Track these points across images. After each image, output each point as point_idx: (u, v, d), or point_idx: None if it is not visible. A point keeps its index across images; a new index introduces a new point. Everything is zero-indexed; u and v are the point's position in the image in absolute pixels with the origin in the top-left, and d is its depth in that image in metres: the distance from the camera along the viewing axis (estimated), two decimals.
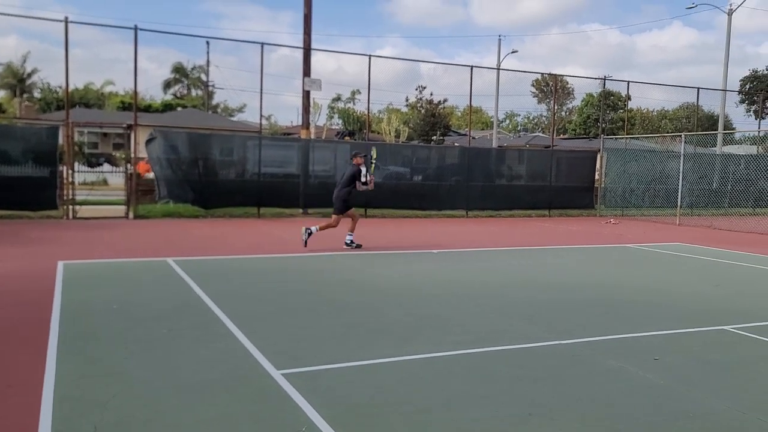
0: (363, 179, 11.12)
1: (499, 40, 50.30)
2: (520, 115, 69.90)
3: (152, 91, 58.79)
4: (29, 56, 45.86)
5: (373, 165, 11.67)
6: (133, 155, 16.47)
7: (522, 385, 4.42)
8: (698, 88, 25.65)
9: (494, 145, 33.10)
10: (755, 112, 39.15)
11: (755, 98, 38.01)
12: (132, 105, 18.22)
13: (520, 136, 51.10)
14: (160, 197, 16.36)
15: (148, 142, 16.26)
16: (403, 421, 3.75)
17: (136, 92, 17.20)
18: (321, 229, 11.11)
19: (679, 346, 5.56)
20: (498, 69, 32.82)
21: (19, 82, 44.83)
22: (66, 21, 14.79)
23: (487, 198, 20.27)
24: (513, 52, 45.08)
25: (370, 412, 3.87)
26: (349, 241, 11.20)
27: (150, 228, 13.78)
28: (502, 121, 61.69)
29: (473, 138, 29.92)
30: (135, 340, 5.23)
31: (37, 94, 46.50)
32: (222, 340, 5.28)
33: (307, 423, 3.65)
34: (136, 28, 15.52)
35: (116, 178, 23.58)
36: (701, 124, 33.87)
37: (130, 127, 16.85)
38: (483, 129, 55.36)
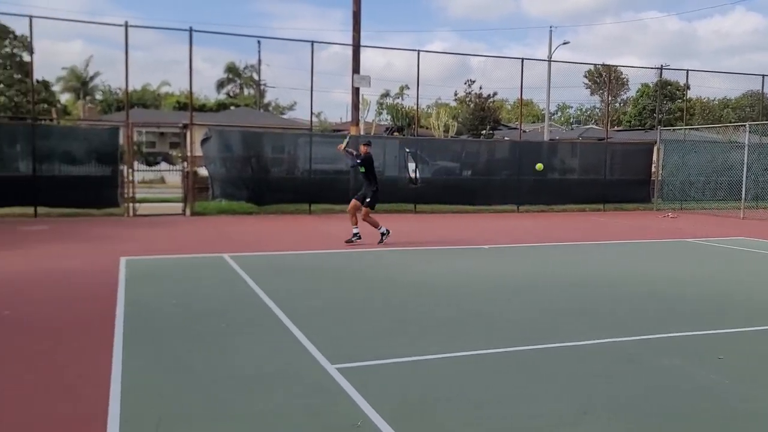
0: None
1: (551, 31, 49.41)
2: (572, 107, 68.44)
3: (206, 91, 60.19)
4: (92, 60, 47.76)
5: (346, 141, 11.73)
6: (189, 154, 16.95)
7: (575, 383, 4.37)
8: (763, 75, 24.56)
9: (546, 138, 32.53)
10: None
11: None
12: (187, 105, 18.74)
13: (572, 129, 50.05)
14: (213, 196, 16.77)
15: (204, 141, 16.70)
16: (456, 416, 3.77)
17: (191, 92, 17.70)
18: (376, 227, 11.20)
19: (744, 345, 5.38)
20: (549, 61, 32.21)
21: (82, 85, 46.76)
22: (126, 25, 15.33)
23: (539, 192, 19.96)
24: (564, 44, 44.21)
25: (423, 407, 3.91)
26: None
27: (206, 224, 14.17)
28: (553, 114, 60.54)
29: (524, 131, 29.51)
30: (194, 334, 5.41)
31: (98, 96, 48.38)
32: (277, 335, 5.41)
33: (362, 417, 3.71)
34: (191, 30, 15.96)
35: (173, 176, 24.31)
36: (766, 112, 32.39)
37: (186, 126, 17.34)
38: (534, 122, 54.49)
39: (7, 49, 40.44)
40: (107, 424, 3.56)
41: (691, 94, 38.14)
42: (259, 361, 4.73)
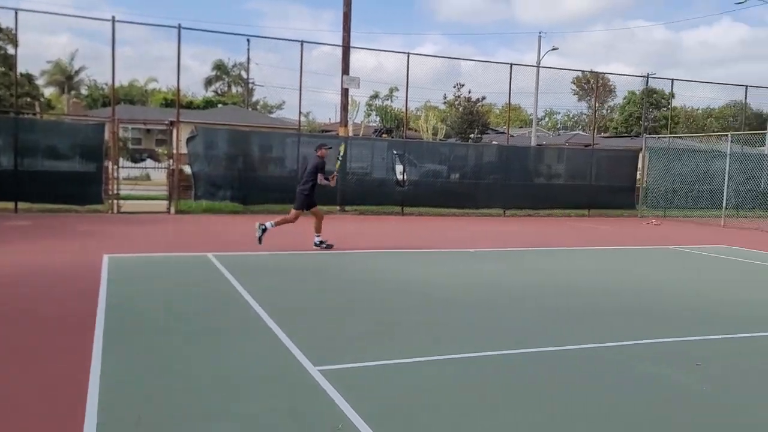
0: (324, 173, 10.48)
1: (540, 37, 49.69)
2: (559, 113, 68.89)
3: (194, 88, 59.88)
4: (77, 54, 47.20)
5: (339, 161, 11.25)
6: (175, 151, 16.82)
7: (563, 389, 4.38)
8: (746, 86, 24.90)
9: (533, 143, 32.69)
10: None
11: None
12: (174, 102, 18.60)
13: (559, 134, 50.38)
14: (196, 196, 16.52)
15: (189, 139, 16.57)
16: (439, 421, 3.76)
17: (179, 90, 17.55)
18: (277, 224, 10.41)
19: (722, 352, 5.43)
20: (538, 66, 32.41)
21: (67, 79, 46.22)
22: (113, 20, 15.20)
23: (525, 197, 20.08)
24: (553, 50, 44.39)
25: (406, 411, 3.89)
26: (317, 242, 10.55)
27: (191, 223, 14.07)
28: (541, 119, 60.85)
29: (511, 136, 29.63)
30: (178, 334, 5.36)
31: (84, 91, 47.90)
32: (261, 336, 5.37)
33: (344, 420, 3.69)
34: (179, 27, 15.85)
35: (159, 174, 24.10)
36: (749, 122, 32.82)
37: (172, 123, 17.22)
38: (522, 127, 54.79)
39: None
40: (84, 425, 3.51)
41: (675, 103, 38.53)
42: (241, 362, 4.69)
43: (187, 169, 17.20)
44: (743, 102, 27.53)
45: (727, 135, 20.90)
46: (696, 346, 5.54)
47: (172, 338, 5.21)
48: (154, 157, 31.79)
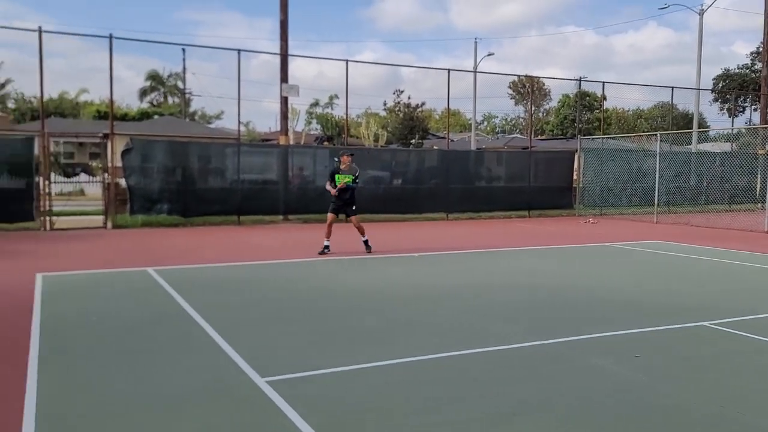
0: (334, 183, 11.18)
1: (476, 43, 50.91)
2: (497, 116, 70.47)
3: (128, 100, 58.19)
4: (2, 66, 45.15)
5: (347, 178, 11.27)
6: (110, 165, 16.30)
7: (505, 385, 4.47)
8: (672, 88, 26.12)
9: (473, 147, 33.28)
10: (728, 110, 39.85)
11: (728, 96, 38.70)
12: (108, 114, 18.04)
13: (498, 138, 51.48)
14: (132, 211, 15.98)
15: (125, 152, 16.05)
16: (386, 426, 3.77)
17: (112, 101, 17.04)
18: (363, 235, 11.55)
19: (658, 343, 5.65)
20: (475, 72, 33.06)
21: None
22: (40, 30, 14.63)
23: (467, 200, 20.39)
24: (489, 55, 45.62)
25: (355, 418, 3.88)
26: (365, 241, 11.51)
27: (129, 238, 13.64)
28: (480, 123, 62.08)
29: (452, 141, 30.10)
30: (116, 352, 5.18)
31: (11, 105, 45.81)
32: (204, 350, 5.25)
33: (293, 430, 3.65)
34: (111, 37, 15.40)
35: (94, 188, 23.29)
36: (676, 122, 34.43)
37: (106, 136, 16.68)
38: (461, 131, 55.73)
39: None
40: None
41: (607, 104, 40.04)
42: (185, 377, 4.57)
43: (124, 183, 16.66)
44: (670, 103, 28.86)
45: (656, 135, 21.84)
46: (634, 338, 5.74)
47: (110, 357, 5.03)
48: (88, 171, 30.69)
